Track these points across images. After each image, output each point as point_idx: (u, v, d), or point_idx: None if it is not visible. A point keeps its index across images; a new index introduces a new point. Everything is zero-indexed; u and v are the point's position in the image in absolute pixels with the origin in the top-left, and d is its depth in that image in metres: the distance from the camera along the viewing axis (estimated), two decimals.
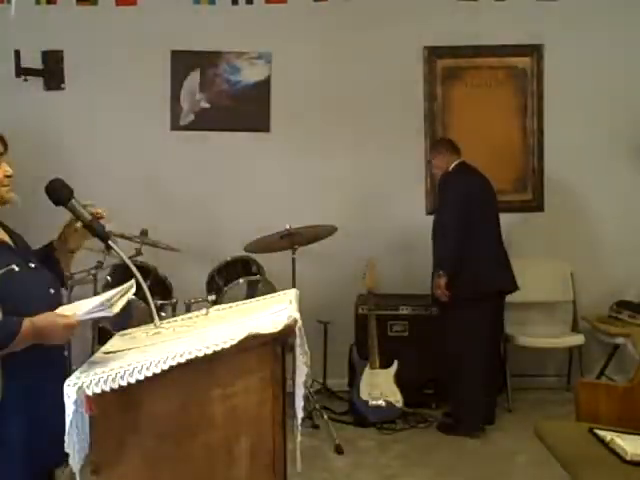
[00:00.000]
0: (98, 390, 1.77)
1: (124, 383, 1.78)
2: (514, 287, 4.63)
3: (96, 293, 4.32)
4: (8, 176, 2.16)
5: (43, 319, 1.99)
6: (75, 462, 1.83)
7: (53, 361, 2.13)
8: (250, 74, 5.31)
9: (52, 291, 2.17)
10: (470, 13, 5.11)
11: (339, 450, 4.20)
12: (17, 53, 4.49)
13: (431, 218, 4.72)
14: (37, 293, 2.10)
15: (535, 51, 5.29)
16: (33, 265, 2.17)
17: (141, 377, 1.77)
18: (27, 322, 1.97)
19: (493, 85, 5.33)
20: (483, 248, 4.52)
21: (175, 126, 5.30)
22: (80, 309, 2.04)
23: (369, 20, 5.20)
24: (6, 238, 2.20)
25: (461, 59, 5.32)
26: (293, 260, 4.59)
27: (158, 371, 1.79)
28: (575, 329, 5.23)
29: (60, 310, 2.06)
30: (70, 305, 2.18)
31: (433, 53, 5.29)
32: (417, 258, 5.19)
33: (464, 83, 5.34)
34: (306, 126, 5.26)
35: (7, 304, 1.98)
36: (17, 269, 2.07)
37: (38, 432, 2.03)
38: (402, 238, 5.24)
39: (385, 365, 4.69)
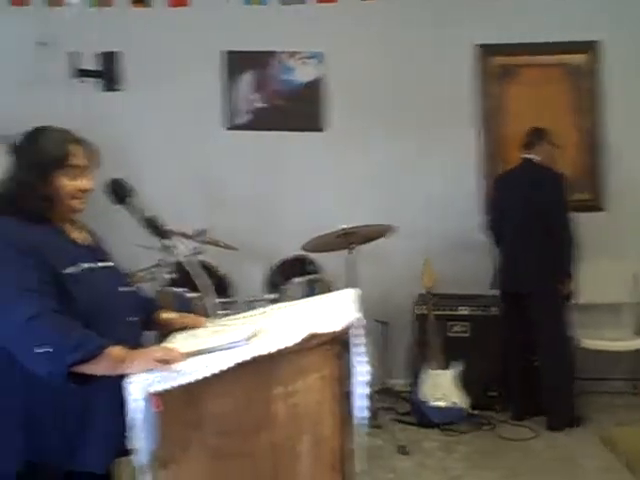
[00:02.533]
0: (162, 388, 1.78)
1: (188, 381, 1.77)
2: (522, 287, 4.52)
3: (157, 291, 4.36)
4: (83, 190, 2.08)
5: (141, 349, 1.95)
6: (141, 458, 1.83)
7: None
8: (303, 74, 5.30)
9: (121, 289, 2.14)
10: (524, 10, 5.03)
11: (403, 451, 4.14)
12: (75, 55, 4.58)
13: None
14: (105, 291, 2.08)
15: (591, 48, 5.13)
16: (101, 264, 2.13)
17: (206, 375, 1.77)
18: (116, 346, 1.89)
19: (548, 83, 5.19)
20: (505, 247, 4.70)
21: (230, 126, 5.31)
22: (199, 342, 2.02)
23: (419, 18, 5.15)
24: (75, 235, 2.15)
25: (515, 57, 5.20)
26: (350, 259, 4.54)
27: (223, 369, 1.78)
28: None
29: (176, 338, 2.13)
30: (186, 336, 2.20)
31: (486, 51, 5.18)
32: (475, 258, 5.11)
33: (518, 81, 5.22)
34: (360, 125, 5.20)
35: (78, 302, 1.97)
36: (86, 267, 2.04)
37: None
38: (460, 237, 5.15)
39: (446, 366, 4.60)
